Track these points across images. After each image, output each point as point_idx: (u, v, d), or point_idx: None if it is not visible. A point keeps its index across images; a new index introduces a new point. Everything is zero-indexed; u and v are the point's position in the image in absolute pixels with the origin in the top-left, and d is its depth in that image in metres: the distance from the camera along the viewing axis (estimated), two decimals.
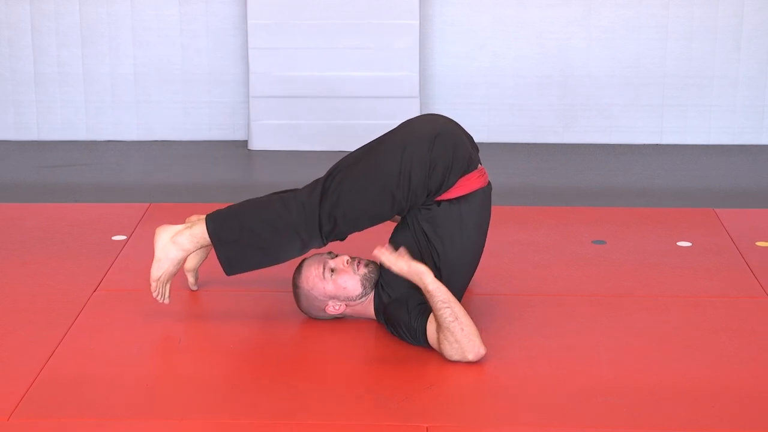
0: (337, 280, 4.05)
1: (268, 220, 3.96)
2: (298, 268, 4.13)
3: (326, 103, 6.37)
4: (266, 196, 4.05)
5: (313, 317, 4.19)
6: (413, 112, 6.33)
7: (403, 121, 4.13)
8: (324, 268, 4.05)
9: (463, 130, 4.09)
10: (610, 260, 4.79)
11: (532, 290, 4.47)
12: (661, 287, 4.54)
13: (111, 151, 6.42)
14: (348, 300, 4.09)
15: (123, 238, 4.98)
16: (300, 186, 4.14)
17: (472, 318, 3.90)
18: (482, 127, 6.51)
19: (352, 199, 3.91)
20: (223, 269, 4.04)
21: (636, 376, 3.89)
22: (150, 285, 4.11)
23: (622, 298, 4.46)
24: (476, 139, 6.50)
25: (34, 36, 6.45)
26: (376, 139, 4.07)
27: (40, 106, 6.51)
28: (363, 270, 4.06)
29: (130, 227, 5.10)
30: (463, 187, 3.97)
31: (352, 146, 6.32)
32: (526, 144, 6.50)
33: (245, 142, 6.51)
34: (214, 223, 4.02)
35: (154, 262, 4.08)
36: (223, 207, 4.09)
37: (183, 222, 4.28)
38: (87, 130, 6.54)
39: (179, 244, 4.05)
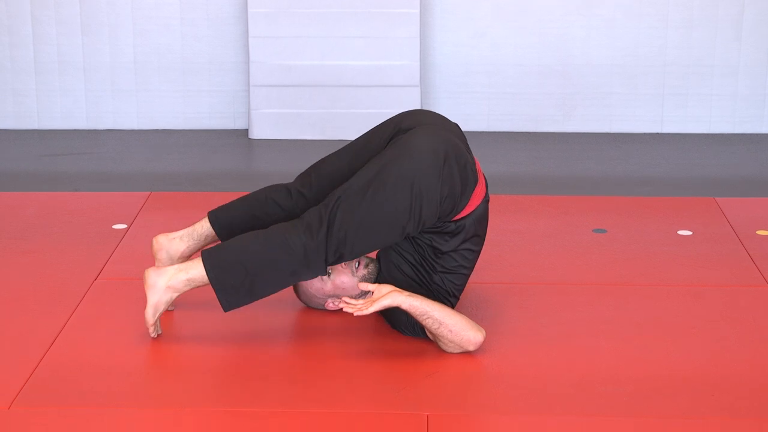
0: (335, 281, 4.03)
1: (272, 265, 3.82)
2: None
3: (326, 92, 6.37)
4: (268, 234, 3.85)
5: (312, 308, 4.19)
6: (414, 100, 6.33)
7: (399, 126, 3.99)
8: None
9: (458, 131, 4.01)
10: (611, 249, 4.79)
11: (532, 279, 4.47)
12: (661, 276, 4.54)
13: (111, 140, 6.42)
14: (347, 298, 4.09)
15: (123, 226, 4.98)
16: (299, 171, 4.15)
17: (469, 309, 3.91)
18: (482, 116, 6.51)
19: (361, 236, 3.80)
20: (222, 307, 3.90)
21: (636, 364, 3.89)
22: (145, 319, 3.94)
23: (623, 286, 4.46)
24: (476, 128, 6.52)
25: (34, 25, 6.45)
26: (378, 162, 3.84)
27: (40, 95, 6.51)
28: (362, 271, 4.04)
29: (130, 216, 5.09)
30: (469, 204, 3.92)
31: (353, 135, 6.33)
32: (526, 133, 6.50)
33: (245, 131, 6.51)
34: (215, 270, 3.83)
35: (149, 307, 3.89)
36: (219, 244, 3.92)
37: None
38: (87, 119, 6.54)
39: (175, 289, 3.89)
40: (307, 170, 4.13)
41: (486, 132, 6.50)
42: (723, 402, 3.67)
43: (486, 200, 3.97)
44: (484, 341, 3.86)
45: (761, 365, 3.88)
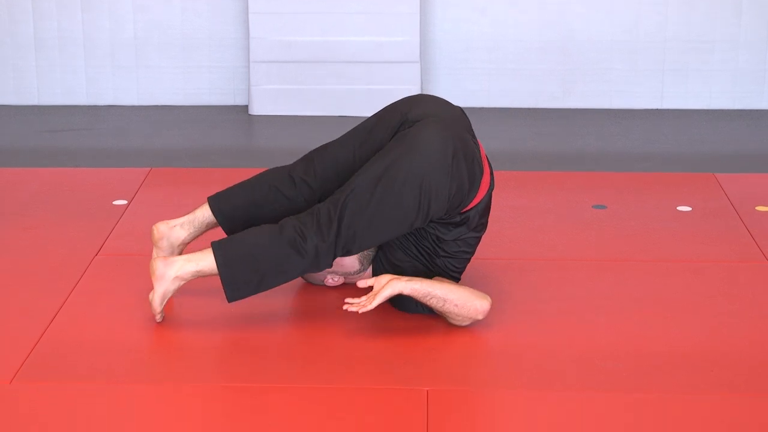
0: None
1: (283, 265, 3.80)
2: None
3: (326, 68, 6.36)
4: (280, 232, 3.80)
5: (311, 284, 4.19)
6: (414, 77, 6.32)
7: (406, 116, 3.93)
8: None
9: (463, 118, 3.98)
10: (611, 225, 4.79)
11: (531, 255, 4.47)
12: (661, 252, 4.54)
13: (111, 116, 6.41)
14: (346, 274, 4.08)
15: (124, 202, 4.98)
16: (299, 151, 4.14)
17: (469, 285, 3.91)
18: (482, 92, 6.50)
19: (369, 233, 3.79)
20: (227, 299, 3.87)
21: (635, 340, 3.89)
22: (152, 307, 3.91)
23: (622, 262, 4.46)
24: (476, 104, 6.51)
25: (34, 1, 6.43)
26: (386, 157, 3.80)
27: (40, 71, 6.50)
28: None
29: (131, 192, 5.09)
30: (476, 196, 3.91)
31: (352, 111, 6.34)
32: (526, 109, 6.50)
33: (245, 107, 6.50)
34: (226, 266, 3.80)
35: (156, 296, 3.87)
36: (230, 238, 3.86)
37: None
38: (87, 94, 6.53)
39: (183, 278, 3.86)
40: (308, 155, 4.06)
41: (486, 108, 6.50)
42: (722, 378, 3.67)
43: (491, 189, 3.96)
44: (489, 309, 3.87)
45: (760, 341, 3.89)
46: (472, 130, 3.98)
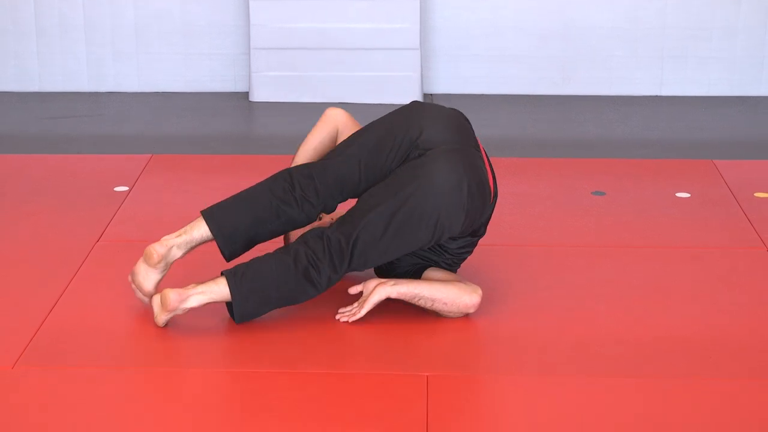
0: None
1: (296, 296, 3.81)
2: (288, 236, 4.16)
3: (327, 55, 6.35)
4: (294, 265, 3.77)
5: None
6: (414, 63, 6.31)
7: (415, 141, 3.83)
8: None
9: (468, 131, 3.93)
10: (610, 211, 4.79)
11: (531, 241, 4.48)
12: (659, 238, 4.54)
13: (112, 103, 6.41)
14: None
15: (125, 189, 4.98)
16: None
17: (468, 271, 3.91)
18: (482, 79, 6.50)
19: (380, 259, 3.81)
20: (235, 321, 3.84)
21: (634, 326, 3.90)
22: (156, 320, 3.84)
23: (621, 248, 4.46)
24: (476, 91, 6.51)
25: None
26: (400, 192, 3.75)
27: (42, 58, 6.49)
28: None
29: (132, 178, 5.09)
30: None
31: (353, 97, 6.33)
32: (526, 95, 6.49)
33: (246, 94, 6.50)
34: (242, 301, 3.76)
35: (163, 319, 3.79)
36: (245, 267, 3.79)
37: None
38: (89, 81, 6.52)
39: (194, 308, 3.81)
40: (307, 171, 3.92)
41: (485, 95, 6.49)
42: (721, 363, 3.68)
43: (495, 200, 3.94)
44: (481, 300, 3.87)
45: (759, 327, 3.89)
46: (475, 137, 3.94)
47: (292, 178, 3.90)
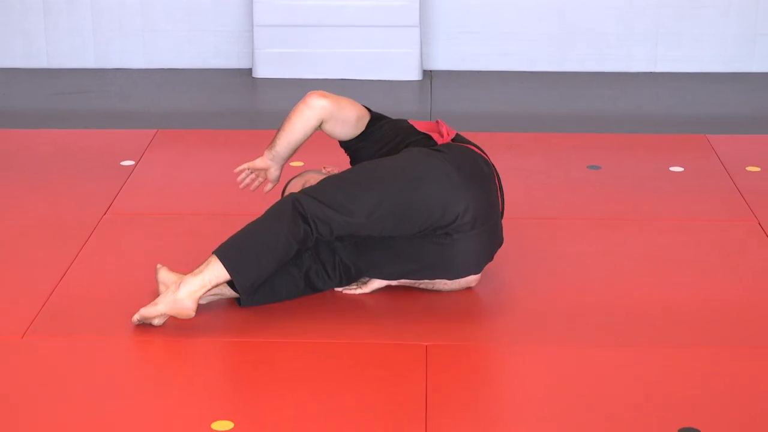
0: None
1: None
2: (286, 186, 4.09)
3: (328, 32, 6.34)
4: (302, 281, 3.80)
5: None
6: (413, 41, 6.30)
7: (453, 216, 3.69)
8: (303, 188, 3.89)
9: (493, 178, 3.86)
10: (605, 184, 4.79)
11: (528, 213, 4.48)
12: (653, 210, 4.55)
13: (118, 79, 6.40)
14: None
15: (131, 163, 4.98)
16: None
17: None
18: (480, 56, 6.48)
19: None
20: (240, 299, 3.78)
21: (628, 296, 3.91)
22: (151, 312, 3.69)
23: (616, 221, 4.47)
24: (474, 68, 6.50)
25: None
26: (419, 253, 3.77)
27: (49, 35, 6.48)
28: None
29: (138, 153, 5.09)
30: None
31: (353, 74, 6.32)
32: (523, 72, 6.48)
33: (249, 70, 6.49)
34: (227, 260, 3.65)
35: (163, 311, 3.65)
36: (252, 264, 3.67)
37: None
38: (95, 58, 6.51)
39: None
40: (330, 239, 3.75)
41: (484, 71, 6.49)
42: (712, 331, 3.69)
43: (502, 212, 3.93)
44: (480, 276, 3.87)
45: (749, 296, 3.90)
46: (498, 187, 3.88)
47: (318, 247, 3.79)
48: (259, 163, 4.02)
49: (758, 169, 4.94)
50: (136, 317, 3.65)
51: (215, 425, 3.21)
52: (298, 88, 6.24)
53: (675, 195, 4.69)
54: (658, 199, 4.65)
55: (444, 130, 3.88)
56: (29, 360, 3.52)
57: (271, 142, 3.98)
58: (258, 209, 4.47)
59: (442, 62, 6.50)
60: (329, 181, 3.72)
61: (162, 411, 3.30)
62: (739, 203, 4.60)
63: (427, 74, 6.43)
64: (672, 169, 4.95)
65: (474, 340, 3.64)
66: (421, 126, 3.94)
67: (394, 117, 4.05)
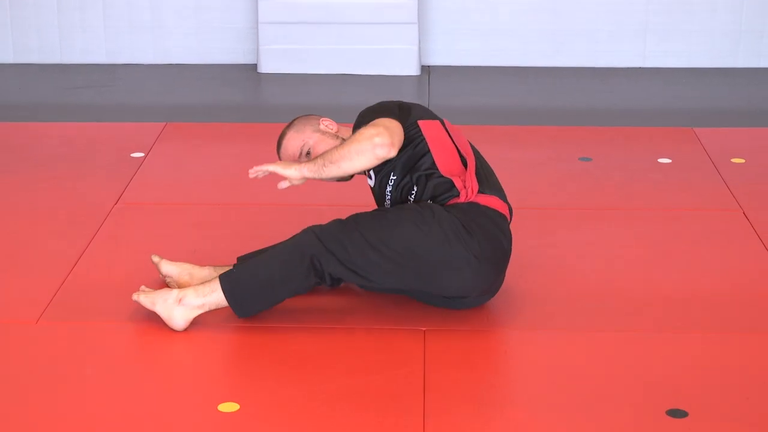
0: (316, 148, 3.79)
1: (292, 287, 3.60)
2: (281, 141, 3.89)
3: (331, 29, 6.33)
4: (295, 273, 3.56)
5: None
6: (412, 37, 6.28)
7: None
8: (301, 153, 3.80)
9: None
10: (596, 176, 4.79)
11: (522, 204, 4.47)
12: (642, 201, 4.55)
13: (129, 74, 6.39)
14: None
15: (141, 155, 4.98)
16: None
17: None
18: (477, 51, 6.48)
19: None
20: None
21: (619, 283, 3.90)
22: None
23: (607, 210, 4.46)
24: (470, 63, 6.49)
25: None
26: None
27: (62, 31, 6.47)
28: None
29: (147, 145, 5.09)
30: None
31: (354, 69, 6.31)
32: (517, 67, 6.47)
33: (255, 66, 6.48)
34: (233, 298, 3.57)
35: (148, 302, 3.60)
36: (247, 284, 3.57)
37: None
38: (106, 53, 6.50)
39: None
40: (340, 280, 3.60)
41: (480, 66, 6.48)
42: (698, 317, 3.69)
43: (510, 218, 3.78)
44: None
45: (733, 283, 3.90)
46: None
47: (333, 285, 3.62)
48: (289, 173, 3.64)
49: (743, 160, 4.93)
50: (135, 296, 3.61)
51: (222, 407, 3.21)
52: (302, 83, 6.25)
53: (663, 186, 4.69)
54: (647, 189, 4.65)
55: (468, 184, 3.61)
56: (43, 344, 3.52)
57: (313, 163, 3.62)
58: (264, 201, 4.47)
59: (439, 58, 6.49)
60: (352, 238, 3.51)
61: (170, 393, 3.30)
62: (725, 194, 4.59)
63: (426, 69, 6.42)
64: (660, 160, 4.94)
65: (471, 326, 3.64)
66: (442, 157, 3.66)
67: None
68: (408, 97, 5.99)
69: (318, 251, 3.51)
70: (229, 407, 3.21)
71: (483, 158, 3.79)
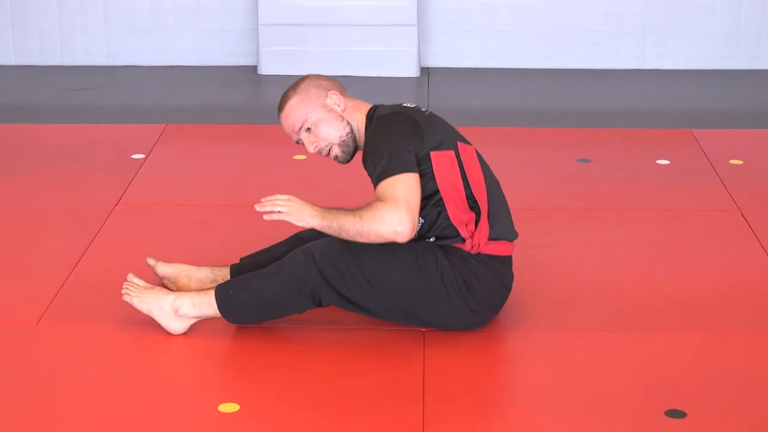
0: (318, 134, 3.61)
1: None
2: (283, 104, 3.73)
3: (330, 31, 6.33)
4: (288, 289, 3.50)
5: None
6: (411, 39, 6.28)
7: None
8: (300, 128, 3.63)
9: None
10: (595, 177, 4.79)
11: (520, 204, 4.47)
12: (641, 202, 4.54)
13: (129, 76, 6.39)
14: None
15: (141, 156, 4.98)
16: None
17: None
18: (475, 53, 6.47)
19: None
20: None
21: (617, 283, 3.90)
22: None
23: (605, 211, 4.46)
24: (469, 65, 6.49)
25: None
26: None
27: (63, 33, 6.47)
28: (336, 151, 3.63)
29: (148, 146, 5.09)
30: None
31: (354, 71, 6.31)
32: (516, 69, 6.47)
33: (254, 67, 6.48)
34: (229, 315, 3.55)
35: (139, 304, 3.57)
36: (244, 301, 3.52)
37: None
38: (107, 55, 6.50)
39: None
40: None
41: (479, 68, 6.47)
42: (697, 317, 3.68)
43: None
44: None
45: (731, 283, 3.90)
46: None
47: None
48: (299, 224, 3.45)
49: (741, 162, 4.93)
50: (127, 298, 3.55)
51: (222, 407, 3.21)
52: None
53: (661, 187, 4.68)
54: (646, 190, 4.65)
55: (477, 238, 3.49)
56: (43, 345, 3.52)
57: (328, 225, 3.42)
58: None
59: (438, 59, 6.49)
60: (353, 274, 3.44)
61: (170, 394, 3.30)
62: (723, 195, 4.59)
63: (425, 71, 6.42)
64: (659, 162, 4.94)
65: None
66: (451, 204, 3.48)
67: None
68: (407, 98, 5.98)
69: (317, 284, 3.46)
70: (229, 408, 3.21)
71: (495, 184, 3.62)
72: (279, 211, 3.44)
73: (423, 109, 3.61)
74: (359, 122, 3.61)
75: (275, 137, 5.23)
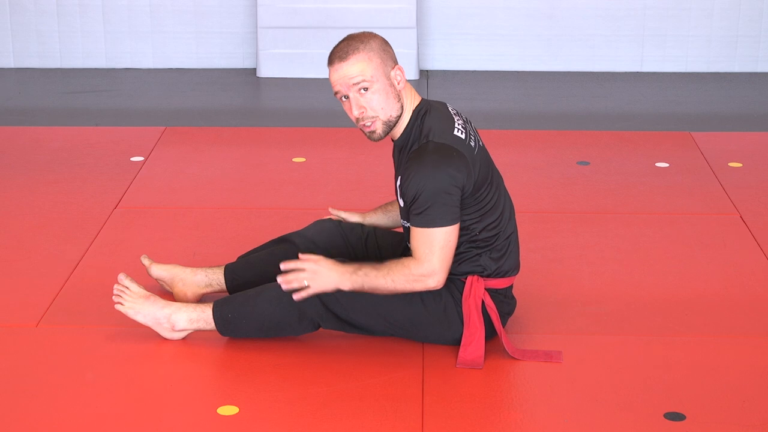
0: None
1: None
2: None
3: (329, 33, 6.33)
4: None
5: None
6: (410, 41, 6.28)
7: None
8: (356, 85, 3.43)
9: None
10: (594, 180, 4.79)
11: (520, 207, 4.47)
12: (640, 204, 4.54)
13: (129, 79, 6.39)
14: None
15: (141, 159, 4.98)
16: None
17: None
18: (474, 56, 6.47)
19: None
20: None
21: (616, 286, 3.90)
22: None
23: (604, 214, 4.46)
24: (468, 68, 6.49)
25: None
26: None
27: (63, 36, 6.47)
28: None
29: (147, 149, 5.08)
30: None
31: None
32: (515, 72, 6.47)
33: (254, 70, 6.48)
34: (227, 334, 3.54)
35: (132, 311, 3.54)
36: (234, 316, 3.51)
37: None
38: (106, 58, 6.50)
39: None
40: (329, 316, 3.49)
41: (478, 71, 6.48)
42: (695, 320, 3.68)
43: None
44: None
45: (731, 286, 3.90)
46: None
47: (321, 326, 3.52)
48: (334, 287, 3.38)
49: (740, 165, 4.93)
50: (120, 307, 3.53)
51: (221, 410, 3.20)
52: (300, 87, 6.24)
53: (661, 190, 4.68)
54: (645, 193, 4.64)
55: (474, 290, 3.45)
56: (43, 348, 3.52)
57: (360, 287, 3.36)
58: (263, 204, 4.46)
59: (437, 62, 6.49)
60: (354, 304, 3.42)
61: (169, 397, 3.29)
62: (722, 198, 4.59)
63: (424, 74, 6.42)
64: (658, 164, 4.94)
65: None
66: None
67: None
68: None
69: (319, 312, 3.45)
70: (228, 410, 3.20)
71: (510, 211, 3.57)
72: (305, 286, 3.37)
73: (470, 142, 3.46)
74: (407, 112, 3.45)
75: (274, 140, 5.23)
